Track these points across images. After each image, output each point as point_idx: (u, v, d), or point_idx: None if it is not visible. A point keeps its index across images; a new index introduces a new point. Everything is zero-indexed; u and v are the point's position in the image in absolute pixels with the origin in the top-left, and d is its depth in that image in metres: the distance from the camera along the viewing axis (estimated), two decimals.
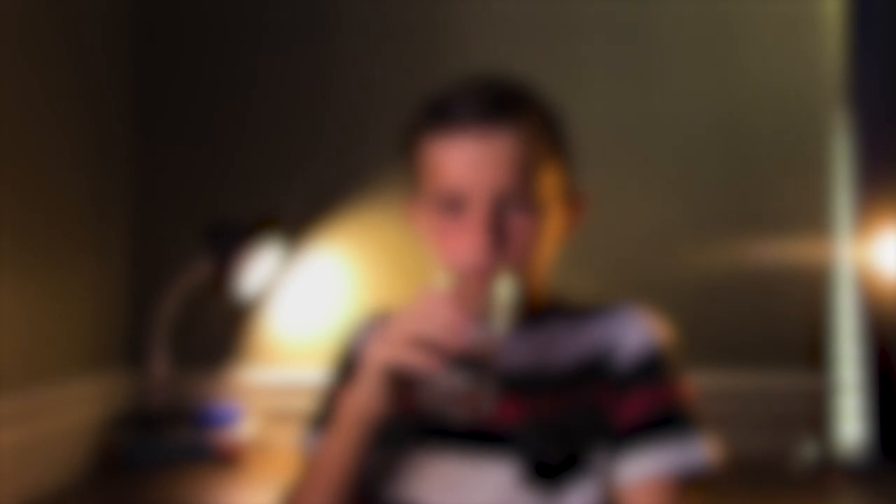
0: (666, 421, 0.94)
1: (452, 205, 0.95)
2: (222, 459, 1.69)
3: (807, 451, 1.70)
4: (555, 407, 0.96)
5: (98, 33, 1.76)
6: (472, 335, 0.87)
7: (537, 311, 1.01)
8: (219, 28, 1.91)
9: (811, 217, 1.77)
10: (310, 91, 1.88)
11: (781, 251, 1.76)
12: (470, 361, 0.88)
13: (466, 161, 0.93)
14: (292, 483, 1.03)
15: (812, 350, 1.76)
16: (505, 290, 0.91)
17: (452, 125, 0.94)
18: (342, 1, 1.88)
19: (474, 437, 0.96)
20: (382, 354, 0.90)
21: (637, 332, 0.98)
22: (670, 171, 1.81)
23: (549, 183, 0.97)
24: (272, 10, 1.90)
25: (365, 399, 0.92)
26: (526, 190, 0.94)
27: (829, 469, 1.67)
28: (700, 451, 0.94)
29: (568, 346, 0.99)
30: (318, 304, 1.88)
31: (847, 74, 1.72)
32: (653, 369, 0.96)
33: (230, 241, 1.73)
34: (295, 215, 1.86)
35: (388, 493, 0.98)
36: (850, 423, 1.74)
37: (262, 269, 1.79)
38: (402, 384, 0.91)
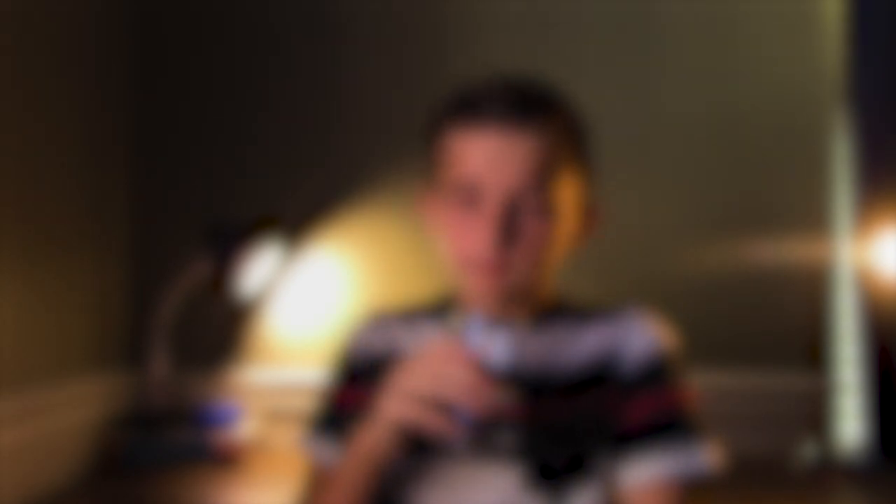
0: (670, 425, 0.94)
1: (468, 197, 0.95)
2: (222, 459, 1.69)
3: (807, 451, 1.70)
4: (559, 409, 0.96)
5: (96, 35, 1.76)
6: (490, 398, 0.87)
7: (543, 313, 1.01)
8: (219, 29, 1.91)
9: (811, 217, 1.77)
10: (310, 91, 1.88)
11: (781, 251, 1.76)
12: (486, 422, 0.88)
13: (487, 155, 0.94)
14: (310, 486, 1.03)
15: (812, 350, 1.76)
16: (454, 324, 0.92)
17: (478, 118, 0.94)
18: (343, 1, 1.88)
19: (478, 437, 0.96)
20: (397, 410, 0.89)
21: (642, 335, 0.98)
22: (670, 171, 1.81)
23: (567, 191, 0.97)
24: (273, 10, 1.90)
25: (375, 443, 0.92)
26: (542, 193, 0.94)
27: (829, 469, 1.67)
28: (703, 455, 0.94)
29: (573, 348, 0.99)
30: (318, 304, 1.88)
31: (847, 74, 1.72)
32: (657, 373, 0.96)
33: (230, 241, 1.73)
34: (295, 215, 1.86)
35: (394, 495, 0.98)
36: (850, 423, 1.74)
37: (262, 269, 1.79)
38: (414, 437, 0.91)
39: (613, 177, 1.78)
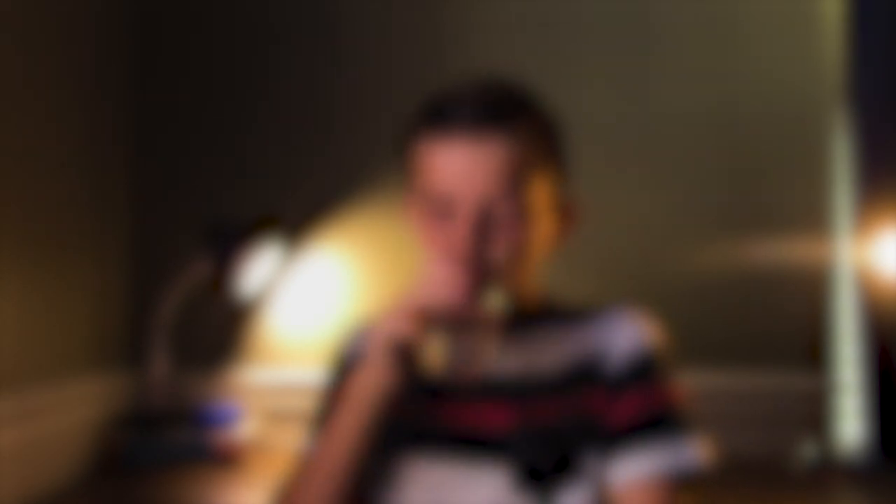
0: (658, 422, 0.94)
1: (441, 208, 0.95)
2: (222, 459, 1.69)
3: (807, 451, 1.70)
4: (546, 411, 0.96)
5: (98, 34, 1.76)
6: (476, 300, 0.88)
7: (528, 315, 1.01)
8: (219, 28, 1.91)
9: (811, 217, 1.77)
10: (310, 91, 1.88)
11: (781, 251, 1.76)
12: (471, 326, 0.89)
13: (457, 166, 0.93)
14: (296, 469, 1.02)
15: (812, 350, 1.76)
16: (495, 302, 0.91)
17: (447, 129, 0.94)
18: (343, 2, 1.89)
19: (467, 441, 0.97)
20: (388, 328, 0.90)
21: (629, 334, 0.98)
22: (670, 171, 1.81)
23: (541, 192, 0.97)
24: (273, 11, 1.90)
25: (374, 376, 0.92)
26: (515, 198, 0.93)
27: (829, 469, 1.67)
28: (692, 452, 0.94)
29: (559, 349, 0.99)
30: (318, 304, 1.88)
31: (847, 74, 1.72)
32: (645, 371, 0.96)
33: (230, 241, 1.73)
34: (295, 215, 1.86)
35: (382, 497, 0.98)
36: (850, 423, 1.74)
37: (262, 269, 1.79)
38: (409, 358, 0.90)
39: (613, 177, 1.79)
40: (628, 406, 0.95)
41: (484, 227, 0.93)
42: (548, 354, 0.99)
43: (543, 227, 0.98)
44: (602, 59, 1.83)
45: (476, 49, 1.84)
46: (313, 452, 1.00)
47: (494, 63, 1.74)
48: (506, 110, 0.95)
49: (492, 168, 0.92)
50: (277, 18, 1.89)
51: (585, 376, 0.97)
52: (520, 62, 1.77)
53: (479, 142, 0.92)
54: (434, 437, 0.98)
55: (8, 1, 1.43)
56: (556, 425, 0.95)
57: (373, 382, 0.93)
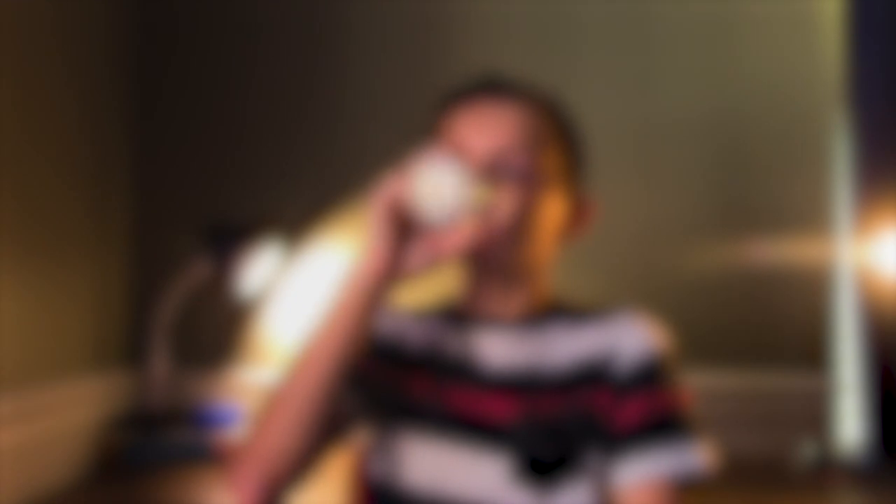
0: (663, 426, 0.95)
1: None
2: (222, 459, 1.69)
3: (807, 451, 1.70)
4: (551, 407, 0.97)
5: (98, 35, 1.76)
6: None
7: (538, 312, 1.02)
8: (219, 29, 1.91)
9: (811, 217, 1.77)
10: (310, 92, 1.89)
11: (781, 251, 1.76)
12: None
13: (475, 120, 0.99)
14: (289, 364, 1.01)
15: (812, 350, 1.76)
16: (478, 195, 0.89)
17: (472, 95, 1.01)
18: (343, 3, 1.89)
19: (471, 427, 0.97)
20: (381, 192, 0.90)
21: (637, 338, 0.99)
22: (670, 171, 1.81)
23: (552, 164, 1.00)
24: (274, 12, 1.90)
25: (367, 253, 0.92)
26: (526, 156, 0.97)
27: (829, 469, 1.67)
28: (696, 456, 0.94)
29: (567, 348, 1.00)
30: (317, 304, 1.87)
31: (847, 74, 1.72)
32: (652, 375, 0.97)
33: (230, 241, 1.73)
34: (295, 215, 1.86)
35: (385, 476, 0.99)
36: (850, 423, 1.75)
37: (262, 269, 1.79)
38: (403, 230, 0.91)
39: (614, 177, 1.79)
40: (635, 409, 0.96)
41: (495, 176, 0.95)
42: (556, 351, 1.00)
43: (554, 208, 1.00)
44: (602, 59, 1.83)
45: (476, 49, 1.85)
46: (310, 339, 1.00)
47: (495, 63, 1.74)
48: (523, 88, 1.03)
49: (506, 122, 0.98)
50: (279, 19, 1.89)
51: (592, 376, 0.98)
52: (520, 62, 1.77)
53: (495, 101, 1.00)
54: (439, 420, 0.99)
55: (9, 1, 1.43)
56: (558, 420, 0.96)
57: (365, 261, 0.92)
